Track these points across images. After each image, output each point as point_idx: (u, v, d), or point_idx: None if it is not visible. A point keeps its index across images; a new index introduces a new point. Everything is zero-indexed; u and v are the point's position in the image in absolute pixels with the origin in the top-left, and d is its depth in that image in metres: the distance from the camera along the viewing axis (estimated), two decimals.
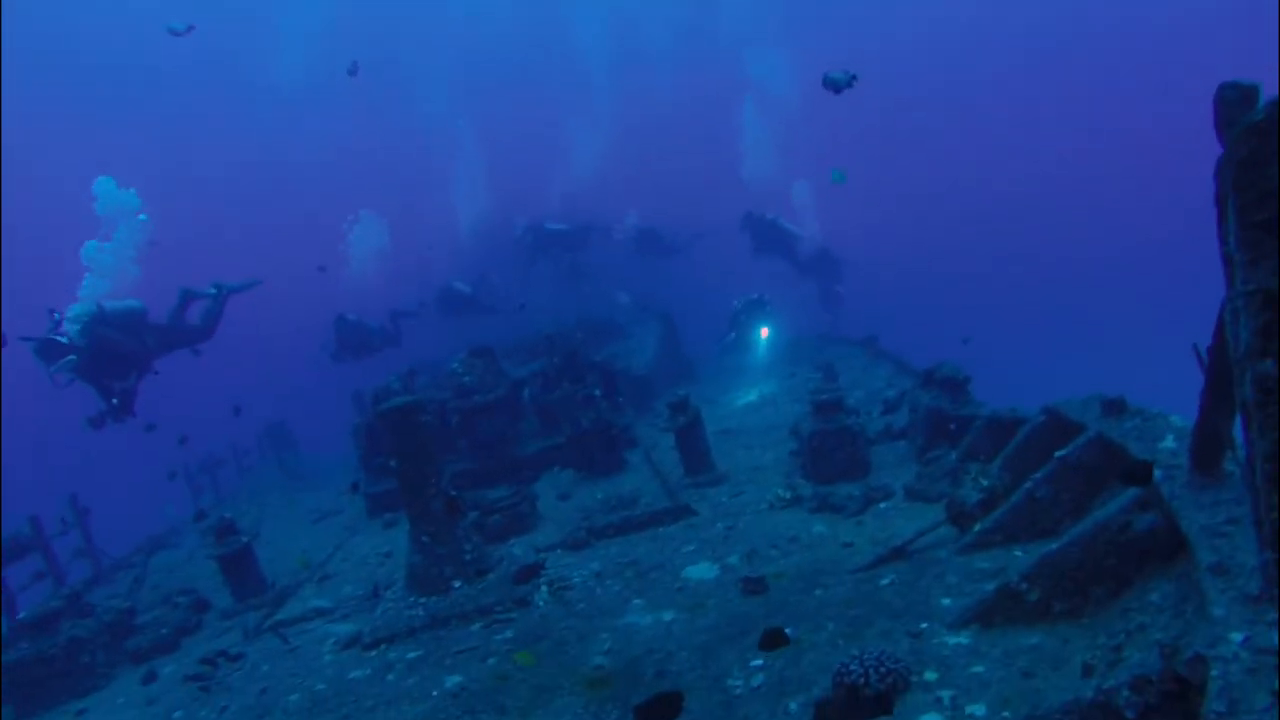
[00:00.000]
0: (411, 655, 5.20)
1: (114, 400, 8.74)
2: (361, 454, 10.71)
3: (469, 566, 5.97)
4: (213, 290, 10.62)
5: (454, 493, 6.10)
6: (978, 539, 4.57)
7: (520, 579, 5.84)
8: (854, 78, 7.56)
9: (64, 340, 8.26)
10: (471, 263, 21.35)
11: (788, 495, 6.77)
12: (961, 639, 3.62)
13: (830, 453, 6.99)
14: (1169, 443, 3.72)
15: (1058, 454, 4.47)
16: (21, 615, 6.69)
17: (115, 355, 8.72)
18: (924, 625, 3.88)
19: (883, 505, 6.19)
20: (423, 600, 5.85)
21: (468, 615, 5.56)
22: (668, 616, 4.83)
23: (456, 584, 5.91)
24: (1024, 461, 5.06)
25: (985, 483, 4.83)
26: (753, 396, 12.47)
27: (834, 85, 7.61)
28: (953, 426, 6.72)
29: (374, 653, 5.41)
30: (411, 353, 16.98)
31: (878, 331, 15.60)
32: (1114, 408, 4.38)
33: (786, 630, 3.45)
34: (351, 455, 11.79)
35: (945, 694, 3.21)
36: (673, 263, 22.25)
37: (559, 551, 6.71)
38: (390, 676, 4.93)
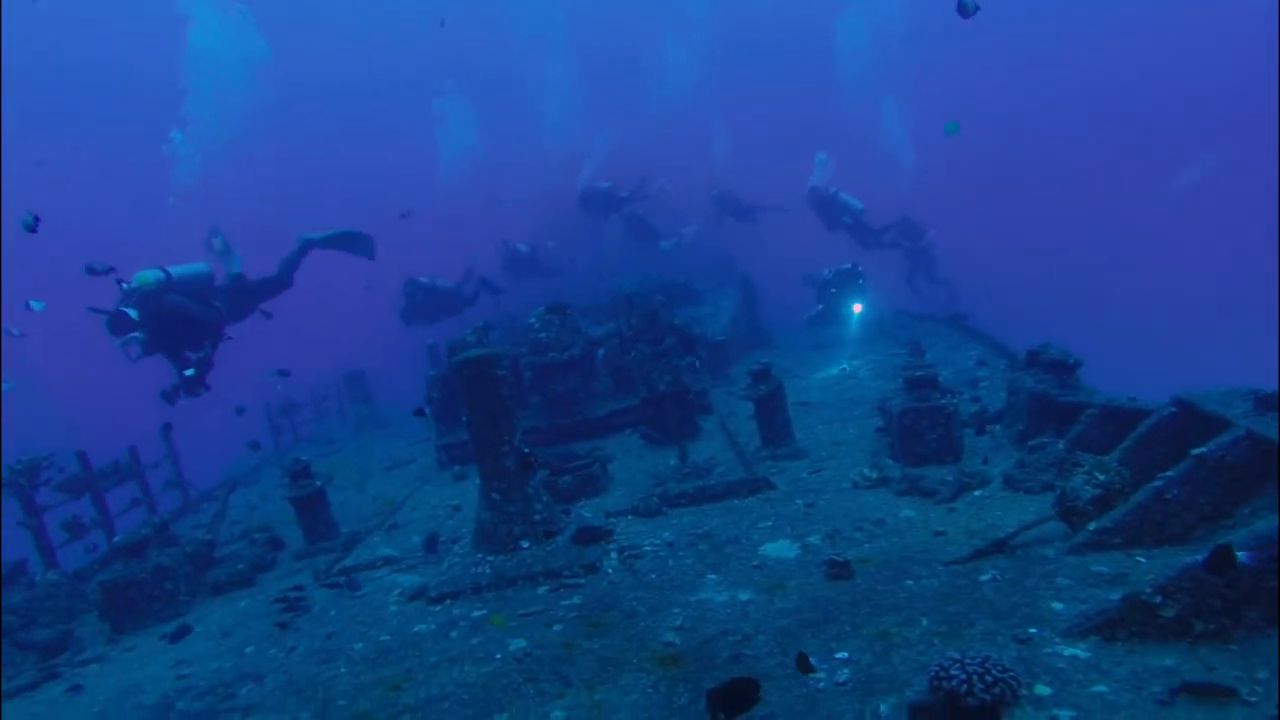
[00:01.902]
0: (476, 614, 5.10)
1: (188, 372, 8.39)
2: (434, 405, 10.75)
3: (538, 527, 5.84)
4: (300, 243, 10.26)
5: (528, 450, 5.94)
6: (1093, 539, 4.13)
7: (580, 540, 5.69)
8: (978, 6, 7.32)
9: (133, 314, 7.95)
10: (536, 226, 21.57)
11: (873, 475, 6.40)
12: (1079, 651, 3.24)
13: (922, 433, 6.56)
14: None
15: (1195, 451, 3.97)
16: (117, 539, 6.92)
17: (186, 323, 8.39)
18: (1033, 631, 3.51)
19: (978, 493, 5.75)
20: (490, 558, 5.75)
21: (534, 577, 5.44)
22: (744, 596, 4.57)
23: (525, 544, 5.79)
24: (1148, 457, 4.57)
25: (1102, 477, 4.36)
26: (834, 371, 12.00)
27: (964, 9, 7.44)
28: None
29: (439, 607, 5.34)
30: (488, 309, 17.09)
31: (966, 309, 14.86)
32: (1270, 403, 3.85)
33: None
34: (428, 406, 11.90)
35: (1064, 715, 2.85)
36: (756, 228, 21.75)
37: (630, 518, 6.53)
38: (454, 634, 4.84)
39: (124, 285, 8.07)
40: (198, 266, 8.94)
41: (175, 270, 8.55)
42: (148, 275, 8.20)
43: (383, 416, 16.66)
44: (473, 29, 31.64)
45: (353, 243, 10.71)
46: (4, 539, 7.69)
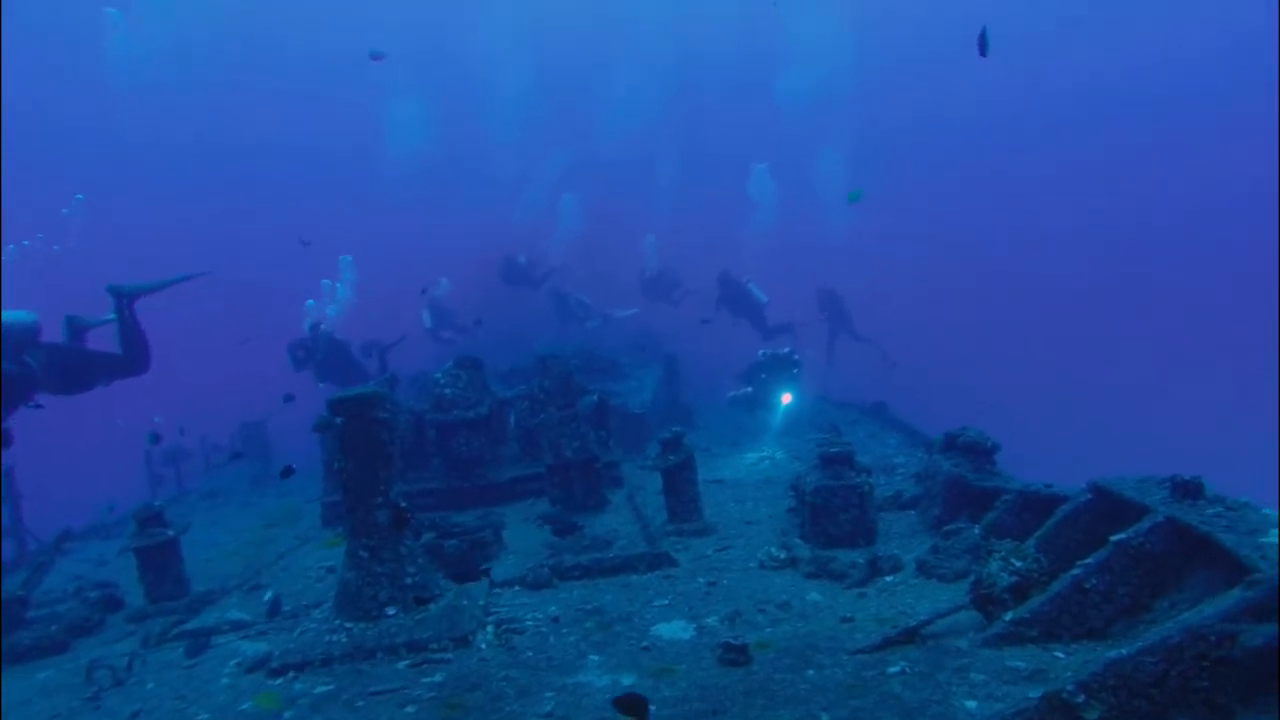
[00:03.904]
0: (321, 689, 4.37)
1: None
2: (327, 459, 9.93)
3: (408, 592, 5.17)
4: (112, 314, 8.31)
5: (403, 504, 5.32)
6: (1009, 630, 3.77)
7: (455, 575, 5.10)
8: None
9: None
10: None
11: (781, 555, 5.98)
12: None
13: (835, 513, 6.22)
14: (1277, 538, 2.97)
15: (1114, 538, 3.71)
16: None
17: None
18: None
19: (890, 578, 5.39)
20: (349, 625, 5.03)
21: (396, 649, 4.74)
22: (627, 680, 4.01)
23: (391, 611, 5.10)
24: (1065, 544, 4.31)
25: (1018, 564, 4.05)
26: (751, 456, 11.65)
27: (984, 46, 7.61)
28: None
29: (279, 681, 4.58)
30: (408, 366, 16.39)
31: (886, 398, 14.91)
32: (1188, 490, 3.64)
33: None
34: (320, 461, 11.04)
35: None
36: (682, 311, 21.91)
37: (517, 588, 5.91)
38: (288, 715, 4.10)
39: None
40: (21, 315, 7.46)
41: None
42: None
43: (277, 472, 15.49)
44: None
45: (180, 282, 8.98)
46: None
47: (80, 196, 27.56)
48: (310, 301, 19.31)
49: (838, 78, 30.00)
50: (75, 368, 7.83)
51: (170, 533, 6.80)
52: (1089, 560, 3.70)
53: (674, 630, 4.73)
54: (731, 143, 31.71)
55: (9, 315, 7.26)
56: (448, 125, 30.45)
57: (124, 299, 8.22)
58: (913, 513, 7.11)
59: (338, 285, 20.28)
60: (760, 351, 15.02)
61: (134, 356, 8.23)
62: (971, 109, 37.83)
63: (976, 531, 5.39)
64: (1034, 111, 38.57)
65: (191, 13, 30.86)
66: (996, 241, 40.73)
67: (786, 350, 14.60)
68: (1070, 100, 38.10)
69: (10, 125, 30.35)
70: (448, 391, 9.40)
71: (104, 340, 8.37)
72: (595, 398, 9.61)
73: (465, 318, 19.95)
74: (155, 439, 10.60)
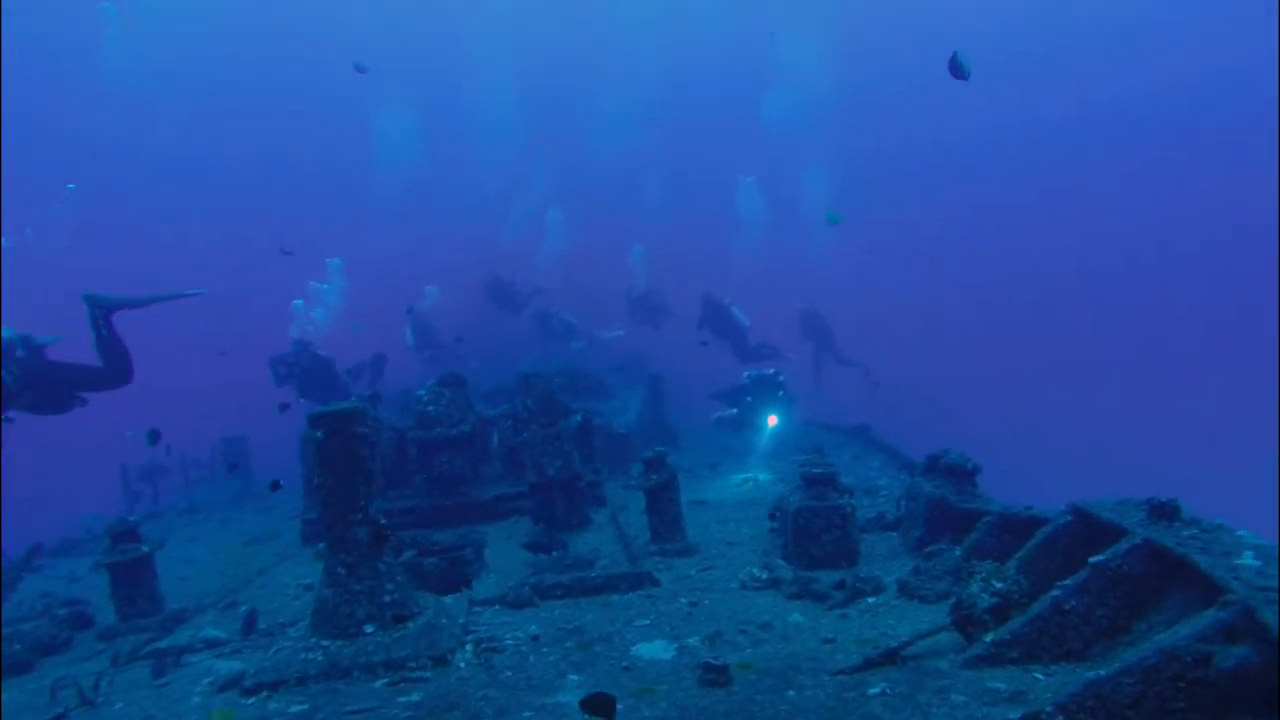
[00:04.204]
0: (295, 709, 4.30)
1: None
2: (307, 476, 9.83)
3: (386, 609, 5.10)
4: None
5: (383, 521, 5.27)
6: (989, 651, 3.77)
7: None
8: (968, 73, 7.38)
9: None
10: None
11: (763, 576, 5.97)
12: None
13: (817, 534, 6.22)
14: (1250, 559, 3.00)
15: (1093, 559, 3.73)
16: None
17: None
18: None
19: (871, 600, 5.38)
20: (326, 643, 4.95)
21: (373, 668, 4.68)
22: None
23: (369, 629, 5.02)
24: (1045, 566, 4.32)
25: (999, 585, 4.06)
26: (736, 479, 11.60)
27: (958, 68, 7.40)
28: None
29: (252, 700, 4.50)
30: (391, 383, 16.30)
31: (870, 421, 14.95)
32: (1165, 512, 3.68)
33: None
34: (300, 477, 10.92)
35: None
36: (669, 331, 21.97)
37: (497, 607, 5.85)
38: None
39: None
40: None
41: None
42: None
43: (258, 489, 15.30)
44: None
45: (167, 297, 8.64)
46: None
47: (71, 186, 27.38)
48: (298, 302, 19.15)
49: (823, 101, 30.44)
50: (55, 382, 7.64)
51: (144, 549, 6.69)
52: (1068, 582, 3.71)
53: (655, 650, 4.70)
54: (717, 162, 32.06)
55: None
56: (434, 140, 30.61)
57: (99, 310, 7.94)
58: (895, 534, 7.12)
59: (324, 288, 20.13)
60: (745, 374, 15.01)
61: (115, 368, 7.98)
62: (956, 134, 38.43)
63: (958, 553, 5.40)
64: (1017, 138, 39.14)
65: (182, 17, 30.95)
66: (980, 265, 41.17)
67: (772, 372, 14.60)
68: (1055, 127, 38.72)
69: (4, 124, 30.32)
70: (431, 409, 9.35)
71: (79, 353, 8.23)
72: (579, 418, 9.59)
73: (448, 335, 19.88)
74: (155, 438, 10.21)
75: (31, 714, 4.85)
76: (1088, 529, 4.30)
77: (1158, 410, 30.63)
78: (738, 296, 18.43)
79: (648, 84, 31.57)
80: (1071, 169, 39.56)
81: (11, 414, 6.95)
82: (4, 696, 5.29)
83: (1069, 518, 4.43)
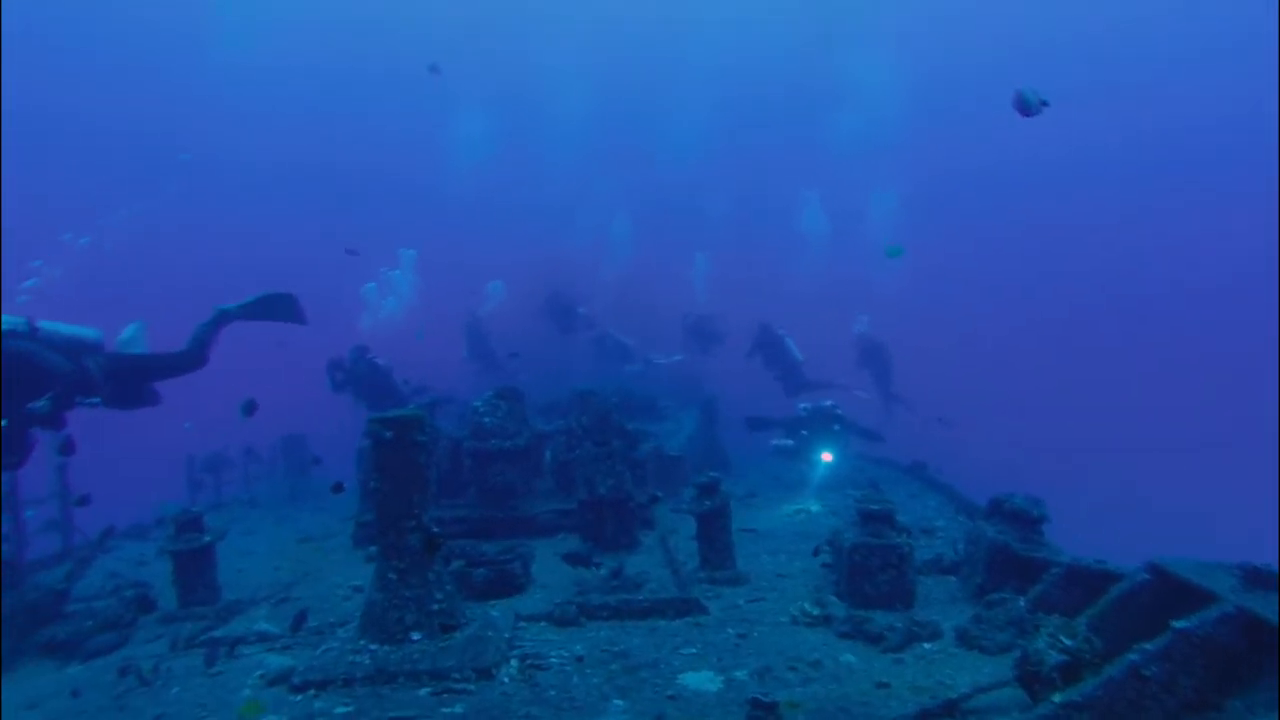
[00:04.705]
0: (341, 710, 4.34)
1: (39, 405, 6.64)
2: (362, 479, 10.01)
3: (434, 618, 5.12)
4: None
5: (435, 529, 5.31)
6: (1057, 713, 3.56)
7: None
8: (1044, 103, 6.75)
9: None
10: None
11: (816, 612, 5.81)
12: None
13: (872, 572, 6.03)
14: None
15: (1177, 625, 3.51)
16: None
17: (27, 370, 6.72)
18: None
19: (928, 646, 5.18)
20: (373, 647, 5.00)
21: (418, 675, 4.69)
22: None
23: (416, 636, 5.05)
24: (1119, 626, 4.09)
25: (1068, 642, 3.85)
26: (788, 509, 11.39)
27: (1024, 106, 6.80)
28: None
29: (300, 698, 4.55)
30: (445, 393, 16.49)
31: (926, 458, 14.53)
32: (1261, 579, 3.44)
33: None
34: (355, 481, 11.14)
35: None
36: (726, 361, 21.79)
37: (543, 624, 5.82)
38: None
39: None
40: (86, 331, 7.59)
41: (50, 325, 7.23)
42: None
43: (316, 487, 15.66)
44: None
45: (274, 308, 9.09)
46: None
47: (185, 156, 28.40)
48: (370, 285, 19.45)
49: (891, 120, 30.11)
50: (136, 372, 7.94)
51: (206, 539, 6.88)
52: (1148, 646, 3.49)
53: (701, 681, 4.60)
54: (782, 179, 31.95)
55: (77, 329, 7.45)
56: (506, 149, 31.13)
57: (223, 319, 8.49)
58: (953, 579, 6.87)
59: (395, 273, 20.35)
60: (801, 405, 14.71)
61: (194, 353, 8.32)
62: (1025, 158, 37.25)
63: (1022, 604, 5.17)
64: (1092, 163, 37.74)
65: (270, 24, 32.36)
66: (1048, 296, 39.75)
67: (829, 404, 14.28)
68: (1131, 152, 37.31)
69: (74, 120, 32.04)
70: (487, 420, 9.43)
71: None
72: (652, 445, 9.58)
73: (502, 347, 20.07)
74: (251, 408, 10.40)
75: (96, 691, 5.00)
76: (1168, 590, 4.06)
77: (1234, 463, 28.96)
78: (795, 316, 18.24)
79: (716, 98, 31.72)
80: (1152, 192, 37.97)
81: (95, 400, 7.25)
82: (72, 671, 5.48)
83: (1147, 576, 4.20)
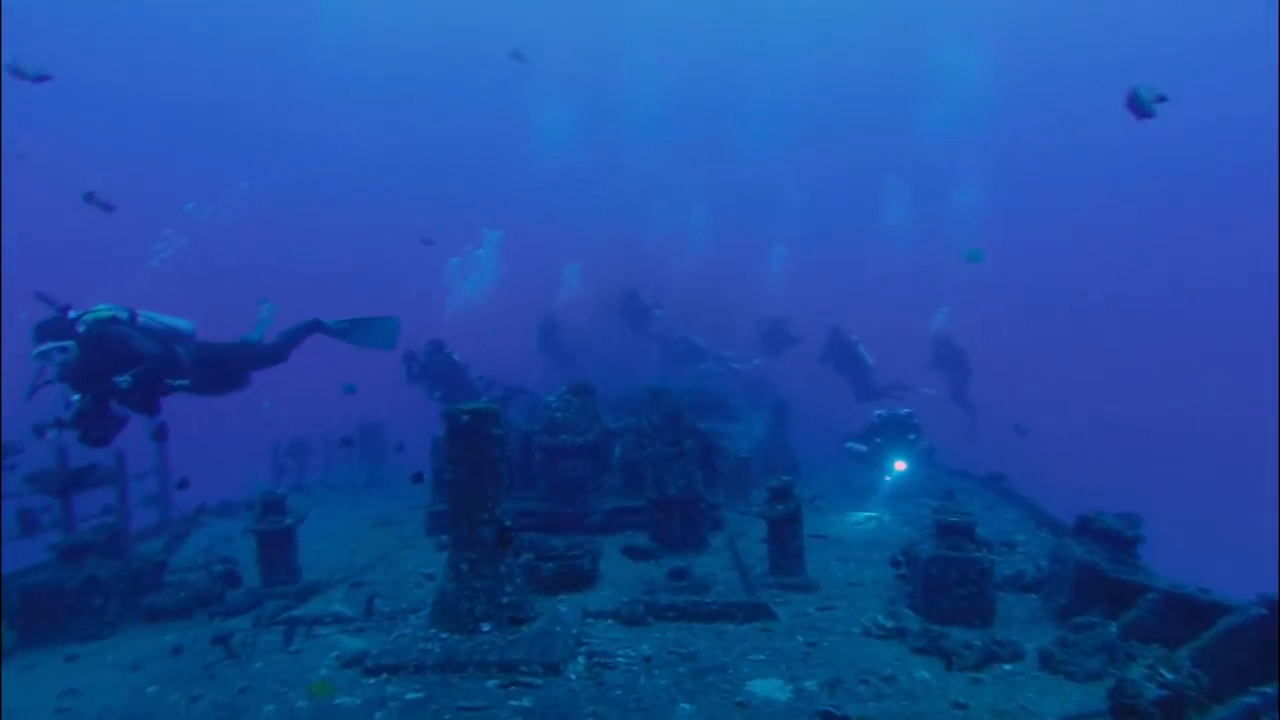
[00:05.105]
0: (411, 696, 4.42)
1: (122, 380, 6.76)
2: (436, 470, 10.23)
3: (504, 610, 5.18)
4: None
5: (508, 523, 5.36)
6: None
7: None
8: (1162, 98, 6.13)
9: (73, 317, 6.83)
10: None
11: (889, 624, 5.64)
12: None
13: (949, 586, 5.82)
14: None
15: None
16: (56, 540, 6.41)
17: (123, 352, 6.90)
18: None
19: (1008, 667, 4.95)
20: (444, 636, 5.09)
21: (487, 666, 4.74)
22: None
23: (486, 627, 5.12)
24: (1229, 663, 3.82)
25: (1169, 676, 3.62)
26: (859, 515, 11.11)
27: (1139, 105, 6.20)
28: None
29: (373, 680, 4.66)
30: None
31: (1005, 469, 13.97)
32: None
33: None
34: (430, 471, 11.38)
35: None
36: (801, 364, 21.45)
37: (610, 622, 5.82)
38: (379, 715, 4.16)
39: (70, 313, 6.96)
40: (180, 321, 7.89)
41: (149, 315, 7.51)
42: (104, 310, 7.16)
43: (389, 475, 16.12)
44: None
45: (369, 334, 9.23)
46: None
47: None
48: (454, 260, 19.77)
49: (979, 112, 29.06)
50: (225, 361, 8.24)
51: (288, 521, 7.13)
52: (1268, 690, 3.23)
53: (770, 689, 4.51)
54: (864, 170, 31.22)
55: (172, 319, 7.80)
56: (587, 138, 31.27)
57: (317, 328, 8.84)
58: (1034, 597, 6.58)
59: (480, 252, 20.61)
60: (876, 412, 14.32)
61: (279, 350, 8.66)
62: (1119, 151, 35.25)
63: (1113, 629, 4.88)
64: (1192, 158, 35.49)
65: (363, 18, 33.39)
66: (1143, 297, 37.59)
67: (905, 412, 13.86)
68: (1232, 147, 34.90)
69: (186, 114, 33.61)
70: (559, 415, 9.51)
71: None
72: (747, 457, 9.55)
73: (575, 344, 20.20)
74: (351, 389, 10.86)
75: (189, 659, 5.24)
76: None
77: None
78: (872, 308, 17.84)
79: (797, 88, 31.19)
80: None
81: (183, 382, 7.58)
82: (169, 639, 5.76)
83: (1262, 611, 3.90)
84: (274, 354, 8.63)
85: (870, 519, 10.69)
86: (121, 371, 6.75)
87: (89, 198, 8.38)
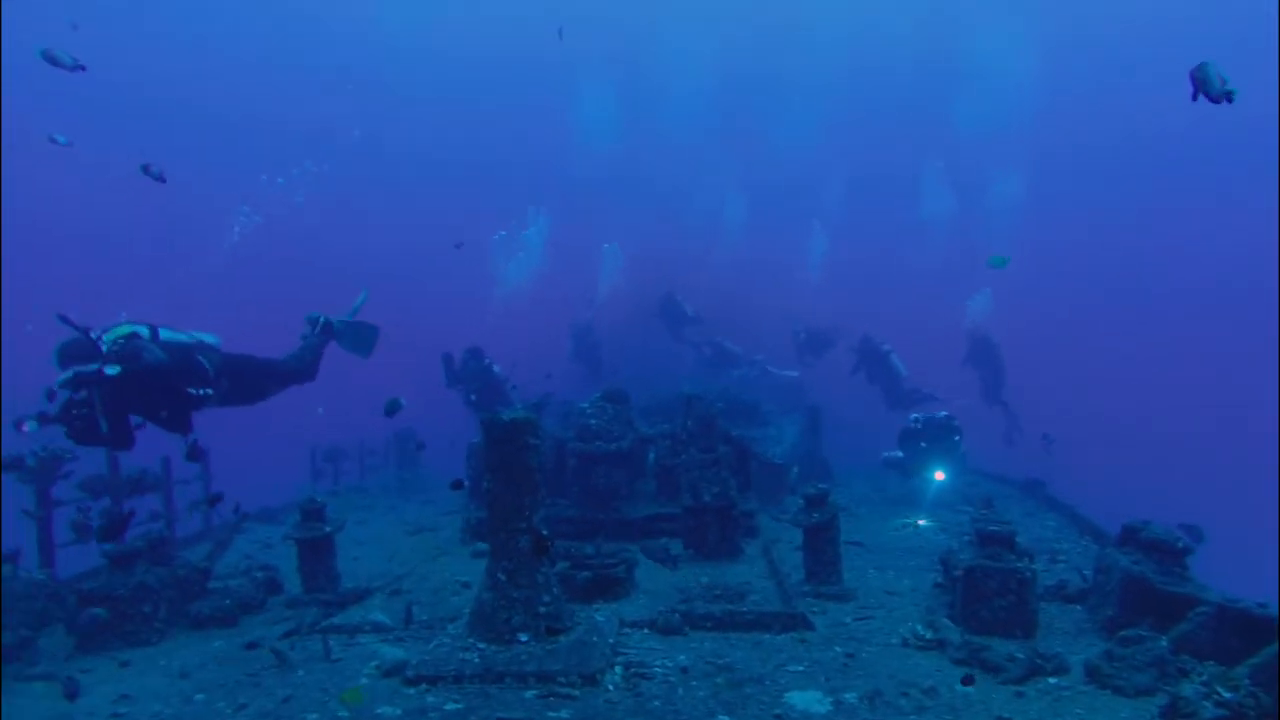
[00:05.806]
0: (451, 706, 4.45)
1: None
2: (472, 476, 10.32)
3: (541, 620, 5.20)
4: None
5: (545, 532, 5.39)
6: None
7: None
8: (1230, 93, 5.51)
9: (96, 336, 6.69)
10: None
11: (928, 635, 5.56)
12: None
13: (989, 597, 5.72)
14: None
15: None
16: (108, 548, 6.57)
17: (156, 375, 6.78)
18: None
19: (1053, 680, 4.86)
20: (482, 646, 5.12)
21: (525, 677, 4.76)
22: None
23: (523, 637, 5.15)
24: None
25: (1227, 695, 3.52)
26: (896, 522, 10.96)
27: (1207, 87, 5.55)
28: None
29: (413, 690, 4.71)
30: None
31: (1045, 475, 13.68)
32: None
33: None
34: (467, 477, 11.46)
35: None
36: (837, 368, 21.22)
37: (646, 631, 5.82)
38: None
39: (91, 334, 6.80)
40: (206, 335, 7.82)
41: (169, 332, 7.41)
42: (125, 327, 7.05)
43: (424, 481, 16.30)
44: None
45: (354, 338, 9.20)
46: (5, 529, 7.39)
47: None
48: (500, 233, 19.78)
49: (1019, 100, 28.54)
50: (249, 374, 8.18)
51: (328, 529, 7.24)
52: None
53: (808, 701, 4.47)
54: (902, 159, 30.80)
55: (190, 334, 7.66)
56: (628, 128, 31.12)
57: (329, 331, 8.84)
58: (1079, 608, 6.44)
59: (528, 232, 20.59)
60: (913, 416, 14.04)
61: (306, 366, 8.63)
62: (1163, 139, 34.33)
63: (1164, 643, 4.76)
64: (1239, 145, 34.35)
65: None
66: (1189, 295, 36.53)
67: (943, 415, 13.57)
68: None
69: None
70: (593, 422, 9.54)
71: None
72: (782, 464, 9.51)
73: (609, 349, 20.23)
74: (396, 407, 10.97)
75: (234, 666, 5.35)
76: None
77: None
78: (908, 298, 17.62)
79: (836, 77, 30.88)
80: None
81: (207, 391, 7.62)
82: (215, 645, 5.89)
83: None
84: (304, 373, 8.60)
85: (906, 525, 10.55)
86: (140, 385, 6.67)
87: (145, 170, 8.76)
